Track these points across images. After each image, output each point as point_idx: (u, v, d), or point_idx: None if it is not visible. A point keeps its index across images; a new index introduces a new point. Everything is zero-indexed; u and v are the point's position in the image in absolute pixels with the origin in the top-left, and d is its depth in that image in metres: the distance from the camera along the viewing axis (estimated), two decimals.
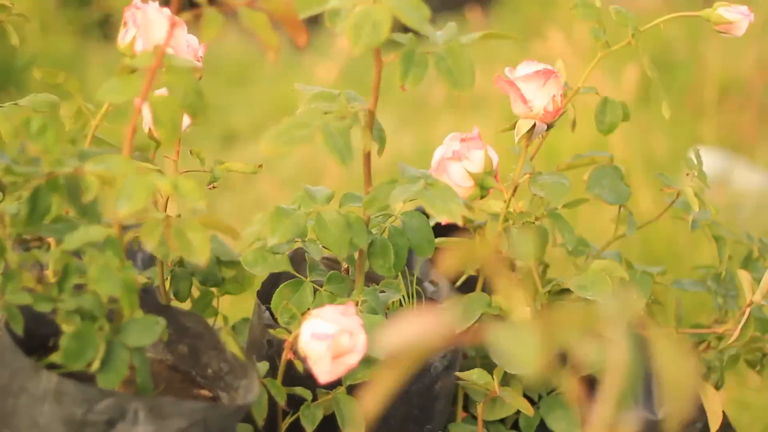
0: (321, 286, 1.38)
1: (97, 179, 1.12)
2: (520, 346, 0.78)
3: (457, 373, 1.39)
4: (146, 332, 1.14)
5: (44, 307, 1.13)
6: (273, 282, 1.45)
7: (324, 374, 1.18)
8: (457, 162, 1.43)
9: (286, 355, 1.27)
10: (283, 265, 1.37)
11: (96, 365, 1.12)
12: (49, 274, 1.17)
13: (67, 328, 1.13)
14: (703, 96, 3.61)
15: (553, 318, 0.80)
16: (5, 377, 1.14)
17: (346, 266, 1.41)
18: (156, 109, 1.10)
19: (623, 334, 0.82)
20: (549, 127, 1.44)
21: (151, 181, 1.06)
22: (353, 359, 1.18)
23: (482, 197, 1.44)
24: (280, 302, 1.37)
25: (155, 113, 1.10)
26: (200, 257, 1.12)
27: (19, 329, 1.14)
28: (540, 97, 1.41)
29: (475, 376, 1.39)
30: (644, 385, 1.57)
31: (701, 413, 1.55)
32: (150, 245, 1.12)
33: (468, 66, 1.20)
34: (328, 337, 1.17)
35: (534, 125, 1.43)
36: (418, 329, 0.79)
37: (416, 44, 1.20)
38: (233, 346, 1.23)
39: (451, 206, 1.21)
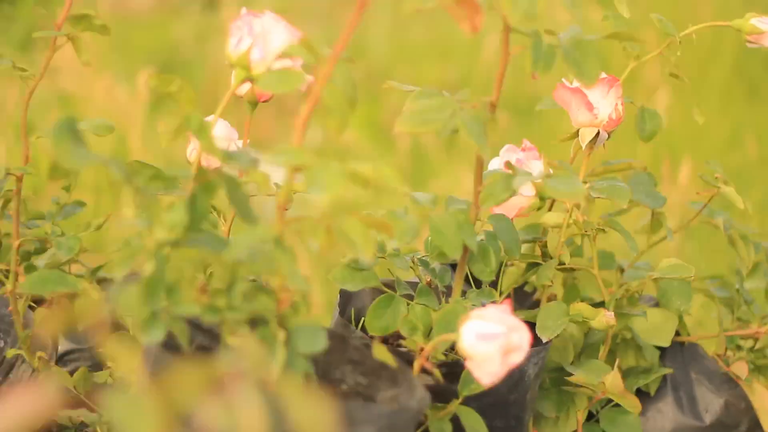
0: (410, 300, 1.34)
1: (263, 178, 1.05)
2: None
3: (568, 378, 1.37)
4: (315, 338, 1.08)
5: (211, 318, 1.05)
6: (345, 301, 1.40)
7: (489, 376, 1.14)
8: None
9: (420, 364, 1.21)
10: (373, 281, 1.32)
11: (277, 372, 1.04)
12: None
13: (230, 339, 1.06)
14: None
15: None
16: None
17: (429, 279, 1.38)
18: (330, 99, 1.05)
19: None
20: (609, 135, 1.45)
21: (345, 167, 1.01)
22: (518, 357, 1.14)
23: (539, 209, 1.44)
24: (375, 318, 1.32)
25: (330, 103, 1.05)
26: (366, 254, 1.07)
27: (185, 342, 1.05)
28: (605, 105, 1.42)
29: (584, 377, 1.37)
30: (687, 392, 1.58)
31: (743, 416, 1.58)
32: (314, 245, 1.06)
33: (595, 59, 1.20)
34: (497, 336, 1.13)
35: (597, 134, 1.43)
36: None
37: (541, 36, 1.20)
38: (385, 355, 1.16)
39: (576, 189, 1.21)
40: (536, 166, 1.44)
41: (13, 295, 1.34)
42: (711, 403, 1.57)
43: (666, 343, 1.53)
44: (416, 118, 1.18)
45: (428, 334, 1.31)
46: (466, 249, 1.28)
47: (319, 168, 1.01)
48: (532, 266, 1.48)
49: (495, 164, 1.45)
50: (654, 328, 1.53)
